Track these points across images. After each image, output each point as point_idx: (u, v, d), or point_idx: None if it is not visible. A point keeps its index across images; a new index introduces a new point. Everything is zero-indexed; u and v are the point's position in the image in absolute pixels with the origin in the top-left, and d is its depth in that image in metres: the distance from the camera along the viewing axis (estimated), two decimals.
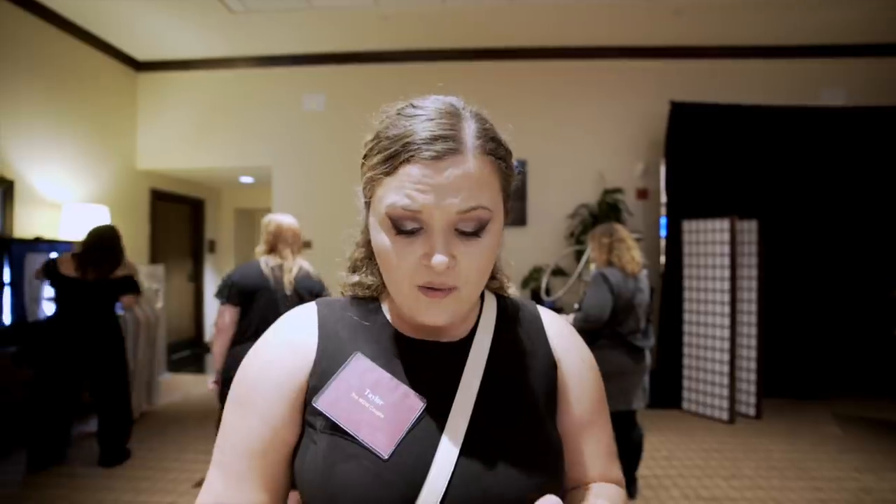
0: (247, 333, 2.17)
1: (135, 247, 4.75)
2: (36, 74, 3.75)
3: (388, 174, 0.50)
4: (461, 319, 0.60)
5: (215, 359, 2.22)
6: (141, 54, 4.75)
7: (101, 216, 3.94)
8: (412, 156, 0.49)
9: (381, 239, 0.52)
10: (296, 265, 2.26)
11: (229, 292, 2.19)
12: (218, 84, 4.86)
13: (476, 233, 0.51)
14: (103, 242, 2.87)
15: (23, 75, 3.64)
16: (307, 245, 4.72)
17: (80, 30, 4.12)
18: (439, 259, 0.49)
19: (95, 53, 4.35)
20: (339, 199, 4.55)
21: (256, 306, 2.18)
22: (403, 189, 0.49)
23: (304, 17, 4.08)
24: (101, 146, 4.40)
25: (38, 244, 3.49)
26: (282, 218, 2.32)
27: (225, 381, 2.16)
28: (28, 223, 3.64)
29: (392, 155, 0.50)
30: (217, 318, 2.22)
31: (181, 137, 4.87)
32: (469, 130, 0.51)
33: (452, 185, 0.48)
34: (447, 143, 0.49)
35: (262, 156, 4.86)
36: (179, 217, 5.83)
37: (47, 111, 3.85)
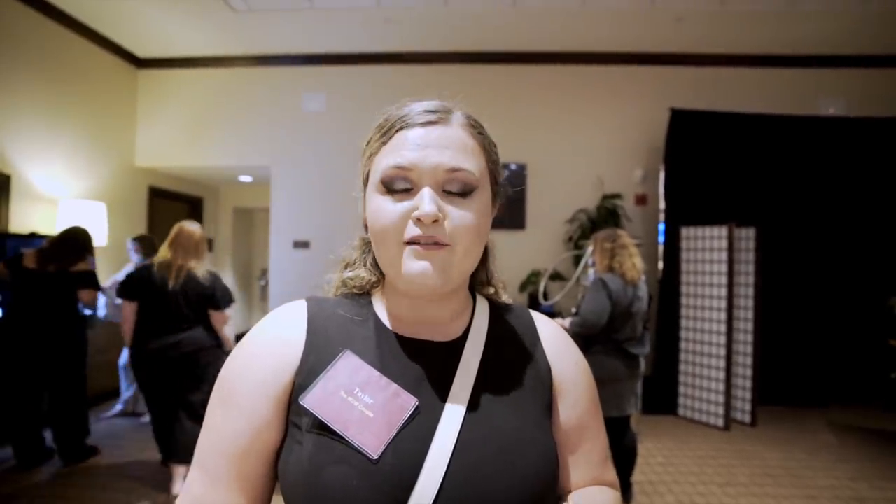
0: (142, 326, 2.55)
1: None
2: (36, 69, 3.73)
3: (384, 143, 0.56)
4: (453, 312, 0.60)
5: (126, 342, 2.63)
6: (142, 51, 4.74)
7: (98, 212, 3.93)
8: (406, 123, 0.55)
9: (375, 203, 0.54)
10: (185, 268, 2.57)
11: (132, 290, 2.55)
12: (218, 82, 4.85)
13: (463, 194, 0.54)
14: (71, 239, 2.92)
15: (22, 70, 3.62)
16: (305, 245, 4.72)
17: (80, 25, 4.11)
18: (426, 208, 0.50)
19: (96, 49, 4.34)
20: (337, 199, 4.55)
21: (152, 303, 2.53)
22: (396, 150, 0.54)
23: (306, 16, 4.08)
24: (99, 142, 4.38)
25: (34, 239, 3.47)
26: (185, 224, 2.64)
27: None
28: (24, 218, 3.62)
29: (388, 128, 0.56)
30: (123, 311, 2.59)
31: (180, 135, 4.86)
32: (457, 113, 0.57)
33: (440, 144, 0.53)
34: (438, 114, 0.55)
35: (261, 155, 4.85)
36: (177, 215, 5.78)
37: (46, 106, 3.84)
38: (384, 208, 0.53)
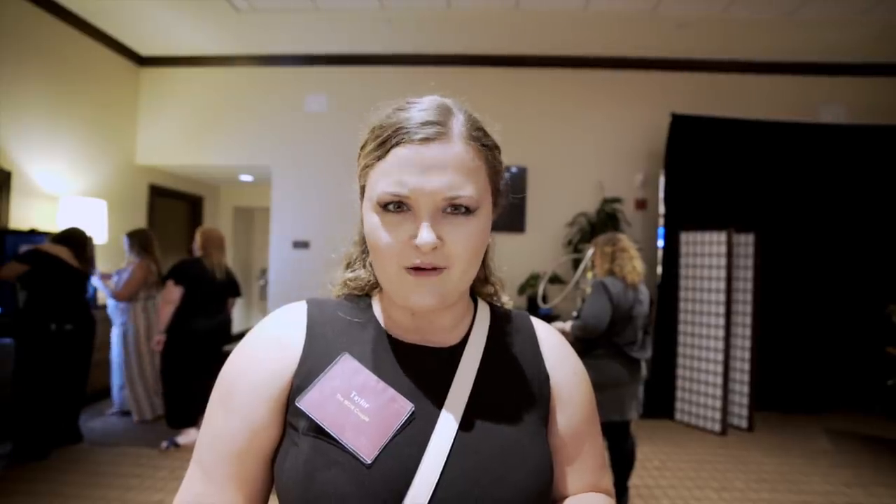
0: (191, 308, 3.11)
1: None
2: (37, 65, 3.73)
3: (379, 158, 0.52)
4: (454, 319, 0.60)
5: (163, 321, 3.08)
6: (144, 49, 4.74)
7: (99, 210, 3.93)
8: (402, 139, 0.51)
9: (372, 221, 0.53)
10: (224, 262, 3.30)
11: (183, 277, 3.09)
12: (220, 82, 4.85)
13: (463, 213, 0.52)
14: (89, 240, 3.19)
15: (24, 66, 3.62)
16: (304, 245, 4.73)
17: (83, 22, 4.11)
18: (425, 239, 0.49)
19: (98, 47, 4.34)
20: (337, 200, 4.52)
21: (201, 290, 3.12)
22: (393, 174, 0.51)
23: (309, 17, 4.09)
24: (100, 140, 4.38)
25: (33, 236, 3.47)
26: (206, 228, 3.35)
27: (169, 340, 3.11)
28: (24, 215, 3.62)
29: (385, 140, 0.52)
30: (167, 293, 3.09)
31: (182, 134, 4.86)
32: (458, 120, 0.54)
33: (439, 167, 0.50)
34: (436, 128, 0.51)
35: (262, 155, 4.85)
36: (178, 214, 5.81)
37: (48, 103, 3.84)
38: (381, 230, 0.52)
